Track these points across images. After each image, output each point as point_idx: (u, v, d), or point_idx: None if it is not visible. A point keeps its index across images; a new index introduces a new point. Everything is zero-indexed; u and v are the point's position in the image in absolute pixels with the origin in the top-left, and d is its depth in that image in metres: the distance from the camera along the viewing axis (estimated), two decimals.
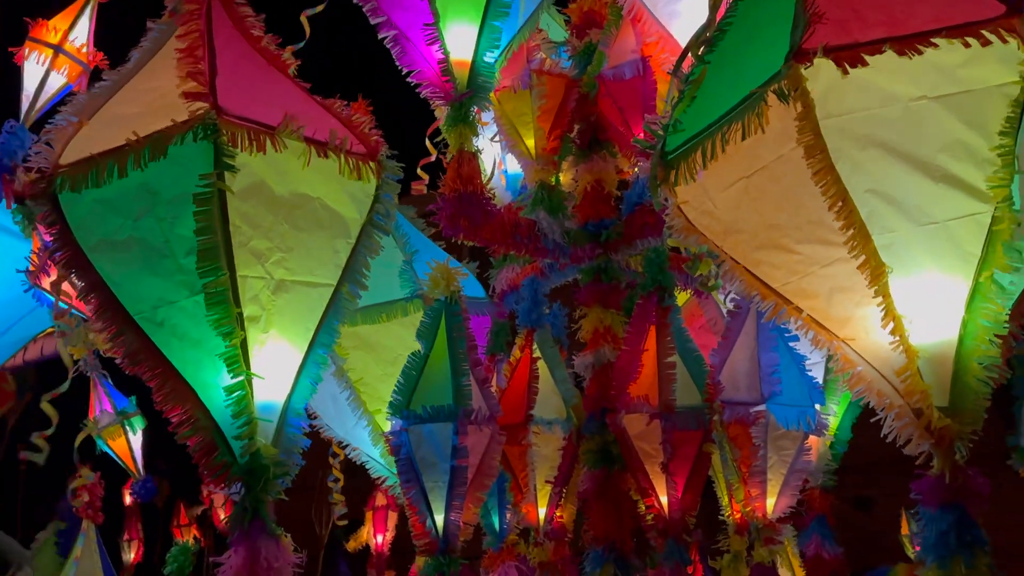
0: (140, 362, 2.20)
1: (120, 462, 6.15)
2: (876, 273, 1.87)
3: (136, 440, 6.10)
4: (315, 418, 3.54)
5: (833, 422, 3.65)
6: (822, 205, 1.83)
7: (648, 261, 3.11)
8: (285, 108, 2.35)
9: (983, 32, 1.70)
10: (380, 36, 3.27)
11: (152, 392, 2.24)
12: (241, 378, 2.16)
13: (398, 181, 2.50)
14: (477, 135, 3.11)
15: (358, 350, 3.36)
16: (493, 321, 3.61)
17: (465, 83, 3.11)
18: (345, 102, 2.57)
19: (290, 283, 2.29)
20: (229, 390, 2.17)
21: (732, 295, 2.96)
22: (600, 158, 3.50)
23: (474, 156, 3.08)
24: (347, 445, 3.68)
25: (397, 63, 3.20)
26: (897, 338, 1.91)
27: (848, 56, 1.70)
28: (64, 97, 4.69)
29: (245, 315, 2.18)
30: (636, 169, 3.34)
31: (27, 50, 4.65)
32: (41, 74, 4.65)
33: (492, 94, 3.38)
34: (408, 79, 3.20)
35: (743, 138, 1.83)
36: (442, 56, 3.08)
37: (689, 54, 2.09)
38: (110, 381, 5.67)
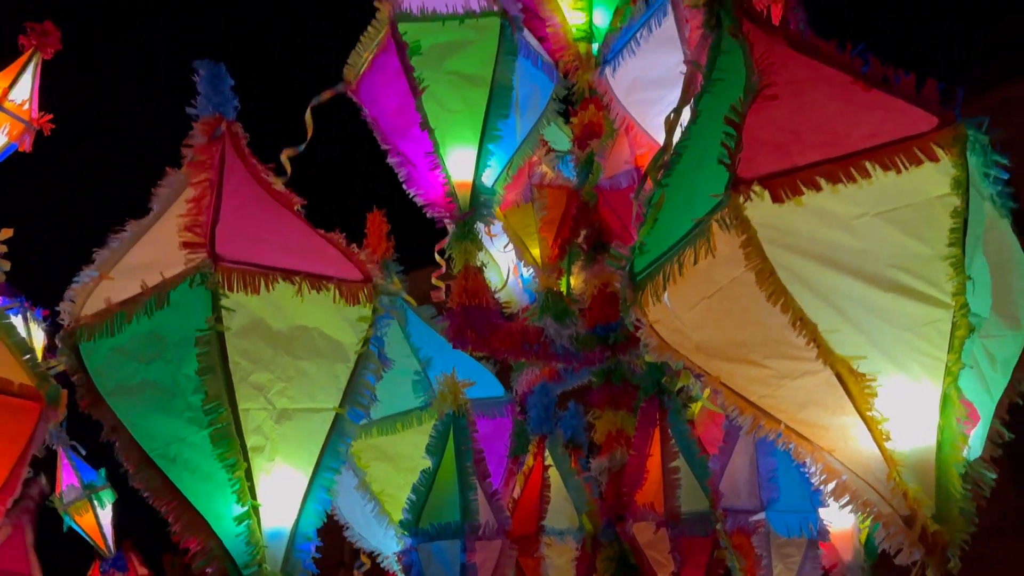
0: (158, 497, 2.35)
1: (88, 539, 5.77)
2: (847, 383, 1.89)
3: (105, 515, 5.75)
4: (347, 528, 3.62)
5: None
6: (782, 322, 1.87)
7: (649, 364, 3.15)
8: (285, 246, 2.55)
9: (915, 150, 1.75)
10: (388, 161, 3.51)
11: (169, 525, 2.38)
12: (247, 508, 2.27)
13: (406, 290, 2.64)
14: (481, 250, 3.26)
15: (378, 461, 3.45)
16: (515, 423, 3.67)
17: (468, 203, 3.28)
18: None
19: (292, 411, 2.41)
20: (238, 520, 2.29)
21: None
22: (604, 262, 3.59)
23: (479, 271, 3.22)
24: (379, 554, 3.73)
25: (404, 187, 3.41)
26: (876, 447, 1.91)
27: (784, 184, 1.77)
28: (7, 157, 4.69)
29: (249, 446, 2.31)
30: None
31: None
32: None
33: (499, 209, 3.54)
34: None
35: (695, 263, 1.89)
36: (444, 180, 3.27)
37: (648, 178, 2.19)
38: (78, 454, 5.39)
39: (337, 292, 2.49)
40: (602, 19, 3.95)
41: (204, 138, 2.67)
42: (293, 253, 2.54)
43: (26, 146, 4.83)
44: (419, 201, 3.37)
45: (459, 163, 3.31)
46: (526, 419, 3.42)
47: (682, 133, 2.23)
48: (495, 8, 3.29)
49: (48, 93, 4.90)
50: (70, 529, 5.67)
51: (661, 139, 3.35)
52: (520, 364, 3.87)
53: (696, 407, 3.20)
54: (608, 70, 3.54)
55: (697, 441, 3.00)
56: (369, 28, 3.54)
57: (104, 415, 2.38)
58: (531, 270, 3.90)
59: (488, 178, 3.32)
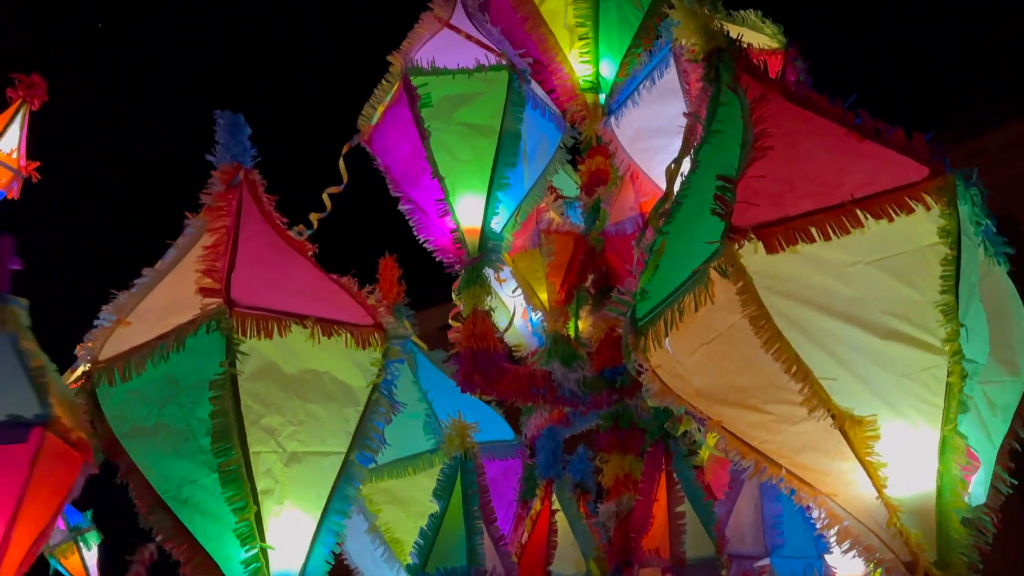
0: (170, 539, 2.39)
1: None
2: (845, 429, 1.92)
3: (91, 557, 5.68)
4: (356, 572, 3.62)
5: None
6: (780, 368, 1.91)
7: (655, 408, 3.17)
8: (299, 291, 2.62)
9: (906, 199, 1.80)
10: (399, 208, 3.60)
11: (181, 567, 2.42)
12: (256, 551, 2.30)
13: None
14: (490, 295, 3.32)
15: (388, 505, 3.47)
16: (524, 466, 3.68)
17: (476, 249, 3.35)
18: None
19: (302, 454, 2.46)
20: (245, 563, 2.32)
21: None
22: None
23: (487, 315, 3.27)
24: None
25: (415, 233, 3.49)
26: (876, 492, 1.93)
27: (778, 233, 1.83)
28: None
29: (260, 489, 2.36)
30: None
31: None
32: None
33: (507, 255, 3.61)
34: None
35: (696, 309, 1.94)
36: (453, 226, 3.34)
37: (649, 226, 2.25)
38: None
39: (348, 337, 2.55)
40: (608, 70, 4.06)
41: (222, 186, 2.77)
42: (306, 298, 2.61)
43: (14, 193, 5.06)
44: (429, 247, 3.45)
45: (468, 210, 3.39)
46: (534, 463, 3.43)
47: (682, 182, 2.30)
48: (503, 62, 3.40)
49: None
50: (56, 572, 5.68)
51: (664, 187, 3.47)
52: (529, 408, 3.90)
53: (705, 452, 3.20)
54: (613, 120, 3.63)
55: (703, 486, 3.01)
56: (382, 82, 3.67)
57: (120, 457, 2.44)
58: (539, 314, 3.96)
59: (497, 224, 3.39)
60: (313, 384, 2.51)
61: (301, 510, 2.44)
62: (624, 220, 3.54)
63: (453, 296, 4.09)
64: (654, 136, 3.46)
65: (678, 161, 2.43)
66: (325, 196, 3.45)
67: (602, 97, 4.00)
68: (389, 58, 3.48)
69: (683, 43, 2.41)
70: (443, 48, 3.50)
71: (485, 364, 3.15)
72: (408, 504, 3.50)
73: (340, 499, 2.52)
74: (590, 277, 3.73)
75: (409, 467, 3.44)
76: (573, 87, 4.02)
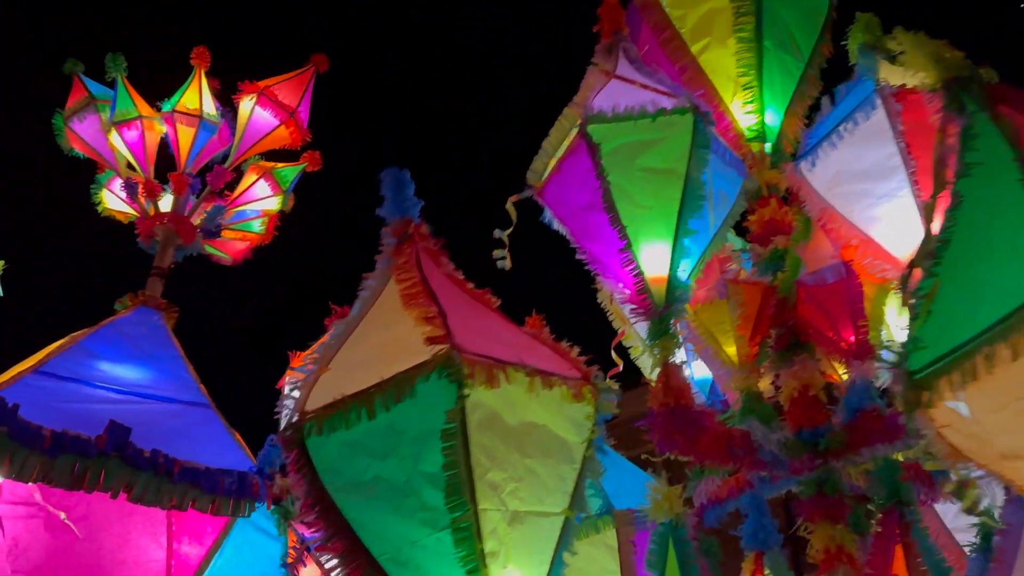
0: None
1: None
2: None
3: None
4: None
5: None
6: None
7: (881, 473, 2.90)
8: (505, 342, 2.48)
9: None
10: (578, 258, 3.49)
11: None
12: None
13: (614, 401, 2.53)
14: (679, 347, 3.14)
15: None
16: (655, 534, 3.41)
17: (663, 298, 3.19)
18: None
19: (524, 514, 2.29)
20: None
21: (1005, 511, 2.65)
22: (802, 362, 3.40)
23: (679, 368, 3.09)
24: None
25: (597, 281, 3.36)
26: None
27: None
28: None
29: (486, 551, 2.18)
30: (849, 374, 3.22)
31: (288, 377, 5.23)
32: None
33: (688, 305, 3.43)
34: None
35: (1014, 359, 1.72)
36: (637, 275, 3.19)
37: (916, 267, 2.06)
38: None
39: (565, 389, 2.40)
40: (773, 119, 3.93)
41: (394, 240, 2.68)
42: (514, 349, 2.47)
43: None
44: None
45: (652, 258, 3.24)
46: (722, 528, 3.17)
47: (945, 219, 2.10)
48: (686, 104, 3.29)
49: None
50: None
51: (873, 232, 3.28)
52: (695, 474, 3.66)
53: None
54: (804, 165, 3.47)
55: (944, 557, 2.70)
56: (552, 133, 3.61)
57: (330, 516, 2.29)
58: (707, 370, 3.75)
59: (682, 273, 3.23)
60: (532, 438, 2.36)
61: (523, 572, 2.26)
62: (823, 269, 3.33)
63: (612, 354, 3.92)
64: (856, 180, 3.28)
65: (933, 196, 2.24)
66: (503, 234, 3.37)
67: (767, 146, 3.88)
68: (569, 108, 3.41)
69: (896, 79, 2.25)
70: (614, 97, 3.42)
71: (683, 422, 2.95)
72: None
73: (559, 564, 2.33)
74: (773, 332, 3.52)
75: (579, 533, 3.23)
76: (737, 137, 3.90)
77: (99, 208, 5.86)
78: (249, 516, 3.62)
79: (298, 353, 5.45)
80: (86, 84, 5.91)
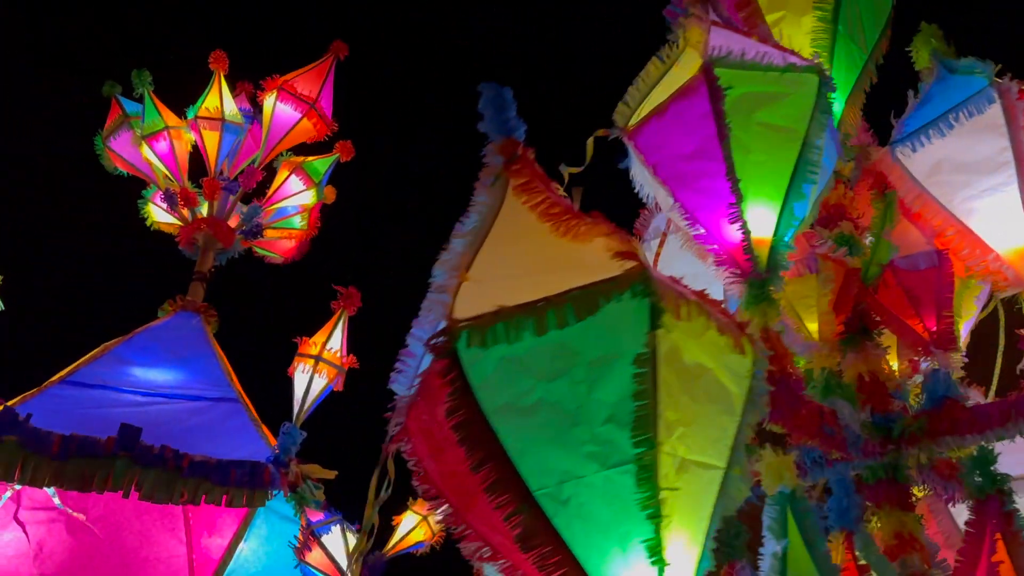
0: (533, 542, 1.91)
1: None
2: None
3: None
4: None
5: None
6: None
7: (978, 462, 2.84)
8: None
9: None
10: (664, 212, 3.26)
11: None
12: (658, 569, 1.86)
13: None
14: (779, 315, 2.97)
15: None
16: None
17: (765, 262, 3.02)
18: None
19: (690, 463, 2.03)
20: None
21: None
22: (872, 347, 3.33)
23: (779, 336, 2.92)
24: None
25: (692, 239, 3.14)
26: None
27: None
28: (326, 397, 5.97)
29: (660, 498, 1.91)
30: (929, 362, 3.16)
31: (296, 363, 5.82)
32: (307, 381, 5.80)
33: None
34: None
35: None
36: (743, 235, 3.00)
37: None
38: None
39: (730, 338, 2.17)
40: (835, 105, 3.86)
41: (501, 158, 2.39)
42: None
43: (339, 386, 6.11)
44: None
45: (757, 219, 3.06)
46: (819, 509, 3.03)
47: None
48: (814, 64, 3.14)
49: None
50: None
51: (972, 223, 3.23)
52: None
53: None
54: (904, 150, 3.39)
55: None
56: (650, 70, 3.37)
57: (480, 440, 1.94)
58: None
59: (788, 238, 3.07)
60: (701, 381, 2.10)
61: (687, 531, 2.00)
62: (916, 255, 3.26)
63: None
64: (959, 171, 3.23)
65: None
66: (564, 171, 3.09)
67: None
68: (690, 48, 3.18)
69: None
70: (730, 44, 3.22)
71: (784, 393, 2.78)
72: None
73: (714, 525, 2.09)
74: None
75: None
76: None
77: (148, 223, 6.08)
78: (263, 506, 3.69)
79: (305, 339, 5.64)
80: (122, 104, 6.06)
